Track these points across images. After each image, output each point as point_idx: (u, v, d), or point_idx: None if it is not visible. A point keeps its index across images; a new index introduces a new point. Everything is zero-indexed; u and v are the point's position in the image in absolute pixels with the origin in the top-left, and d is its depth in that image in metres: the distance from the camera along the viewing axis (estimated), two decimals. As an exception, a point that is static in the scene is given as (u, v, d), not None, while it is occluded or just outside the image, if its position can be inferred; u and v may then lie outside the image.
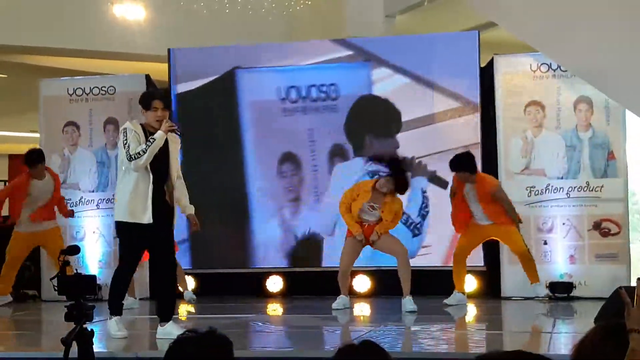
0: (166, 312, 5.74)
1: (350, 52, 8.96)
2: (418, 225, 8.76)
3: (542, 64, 8.45)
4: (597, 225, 8.24)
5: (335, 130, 8.95)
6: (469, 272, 8.25)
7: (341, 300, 7.60)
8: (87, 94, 9.41)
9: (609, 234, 8.18)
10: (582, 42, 6.99)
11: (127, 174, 5.66)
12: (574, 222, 8.30)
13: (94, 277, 4.43)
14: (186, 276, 8.73)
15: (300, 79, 9.02)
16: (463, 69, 8.77)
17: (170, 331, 5.42)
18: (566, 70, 8.25)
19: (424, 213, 8.79)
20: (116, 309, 5.77)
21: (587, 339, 2.24)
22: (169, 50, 9.34)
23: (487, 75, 8.73)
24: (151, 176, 5.63)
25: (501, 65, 8.63)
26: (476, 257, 8.48)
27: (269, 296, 8.93)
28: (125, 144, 5.60)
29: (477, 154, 8.64)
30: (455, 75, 8.80)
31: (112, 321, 5.74)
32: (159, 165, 5.70)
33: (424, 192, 8.78)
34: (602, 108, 8.28)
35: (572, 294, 8.10)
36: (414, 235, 8.67)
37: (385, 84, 8.91)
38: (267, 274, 9.06)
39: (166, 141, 5.72)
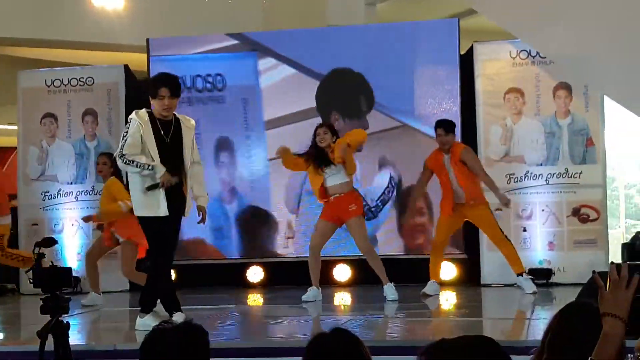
0: (148, 304, 5.70)
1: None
2: (373, 209, 8.74)
3: (521, 50, 8.46)
4: (575, 212, 8.28)
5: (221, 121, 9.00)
6: (449, 260, 8.28)
7: (312, 293, 7.37)
8: (66, 85, 9.34)
9: (587, 220, 8.22)
10: (561, 29, 7.02)
11: None
12: (553, 208, 8.34)
13: (69, 270, 4.39)
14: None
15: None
16: (443, 57, 8.77)
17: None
18: (545, 57, 8.27)
19: (385, 199, 8.78)
20: (149, 306, 5.66)
21: (557, 316, 2.41)
22: (147, 40, 9.29)
23: (467, 63, 8.74)
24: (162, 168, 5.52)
25: (481, 53, 8.65)
26: (456, 245, 8.52)
27: (250, 287, 8.93)
28: (125, 136, 5.53)
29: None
30: (435, 62, 8.80)
31: (146, 319, 5.58)
32: (172, 157, 5.59)
33: (392, 178, 8.77)
34: (581, 94, 8.31)
35: (551, 280, 8.14)
36: (368, 219, 8.57)
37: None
38: (247, 264, 9.06)
39: (179, 132, 5.65)
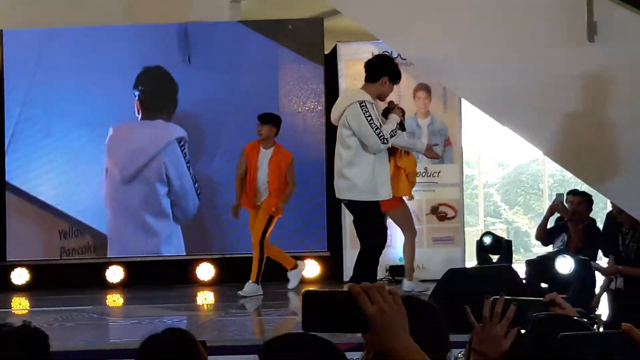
0: None
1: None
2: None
3: (383, 51, 8.60)
4: (434, 210, 8.51)
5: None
6: (311, 257, 8.35)
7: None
8: None
9: (445, 218, 8.47)
10: (421, 32, 7.16)
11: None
12: (413, 206, 8.51)
13: None
14: (19, 268, 8.43)
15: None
16: (308, 56, 8.83)
17: None
18: (406, 59, 8.44)
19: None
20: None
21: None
22: (1, 31, 8.89)
23: (331, 63, 8.82)
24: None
25: (344, 53, 8.75)
26: (319, 242, 8.60)
27: (109, 287, 8.69)
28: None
29: (322, 140, 8.76)
30: (300, 61, 8.84)
31: None
32: None
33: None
34: (440, 96, 8.55)
35: (410, 277, 8.31)
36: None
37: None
38: (107, 264, 8.82)
39: None
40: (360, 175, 5.69)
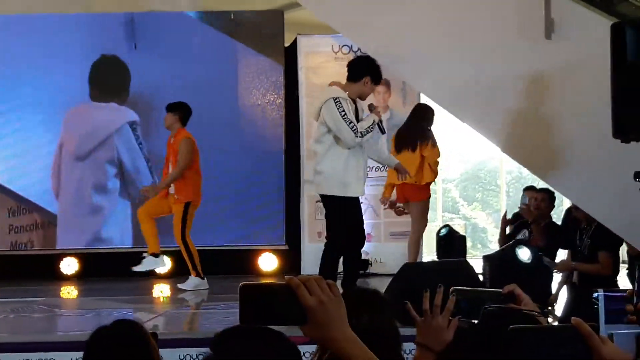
0: None
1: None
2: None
3: (343, 45, 8.61)
4: (392, 205, 8.51)
5: None
6: (270, 250, 8.32)
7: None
8: None
9: (403, 212, 8.47)
10: (380, 26, 7.16)
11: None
12: (371, 201, 8.54)
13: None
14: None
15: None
16: (268, 48, 8.78)
17: None
18: (366, 53, 8.42)
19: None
20: None
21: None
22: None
23: (291, 56, 8.78)
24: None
25: (304, 46, 8.73)
26: (277, 236, 8.57)
27: (64, 279, 8.57)
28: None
29: (281, 133, 8.73)
30: (259, 54, 8.79)
31: None
32: None
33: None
34: (399, 90, 8.56)
35: (368, 271, 8.35)
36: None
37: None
38: (61, 255, 8.69)
39: None
40: (331, 170, 5.75)
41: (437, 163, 7.40)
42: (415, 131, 7.25)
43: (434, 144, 7.34)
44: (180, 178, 7.26)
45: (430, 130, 7.31)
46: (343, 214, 5.78)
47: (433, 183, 7.55)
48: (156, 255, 7.43)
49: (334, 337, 1.49)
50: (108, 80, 8.85)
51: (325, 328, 1.48)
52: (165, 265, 7.75)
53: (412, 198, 7.31)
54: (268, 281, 1.52)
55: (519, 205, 7.34)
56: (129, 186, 8.71)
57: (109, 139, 8.70)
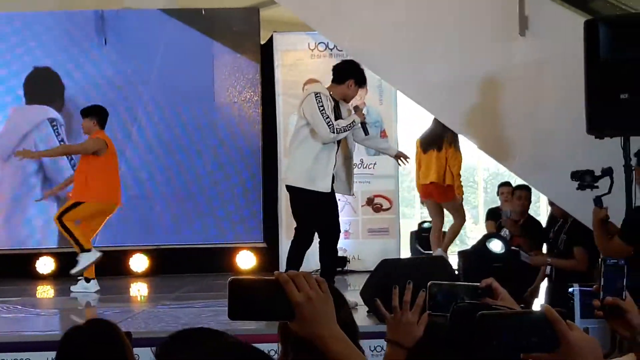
0: None
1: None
2: None
3: (319, 43, 8.61)
4: (370, 201, 8.55)
5: None
6: (248, 248, 8.30)
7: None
8: None
9: (380, 209, 8.51)
10: (356, 23, 7.17)
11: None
12: (349, 198, 8.53)
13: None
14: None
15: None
16: (244, 46, 8.76)
17: None
18: (342, 50, 8.44)
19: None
20: None
21: None
22: None
23: (267, 53, 8.77)
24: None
25: (280, 43, 8.71)
26: (255, 233, 8.56)
27: (40, 278, 8.50)
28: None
29: (258, 131, 8.72)
30: (235, 51, 8.76)
31: None
32: None
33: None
34: (376, 88, 8.57)
35: (346, 268, 8.36)
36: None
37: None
38: (37, 255, 8.63)
39: None
40: (300, 162, 5.78)
41: (457, 167, 7.35)
42: (443, 132, 7.22)
43: (457, 149, 7.36)
44: (82, 179, 7.10)
45: (455, 134, 7.29)
46: (309, 208, 5.77)
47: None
48: (88, 250, 7.11)
49: (321, 333, 1.49)
50: (42, 89, 8.84)
51: (312, 324, 1.48)
52: (99, 254, 7.28)
53: (438, 199, 7.32)
54: (255, 277, 1.50)
55: (501, 209, 7.32)
56: (51, 182, 8.62)
57: (28, 135, 8.68)
